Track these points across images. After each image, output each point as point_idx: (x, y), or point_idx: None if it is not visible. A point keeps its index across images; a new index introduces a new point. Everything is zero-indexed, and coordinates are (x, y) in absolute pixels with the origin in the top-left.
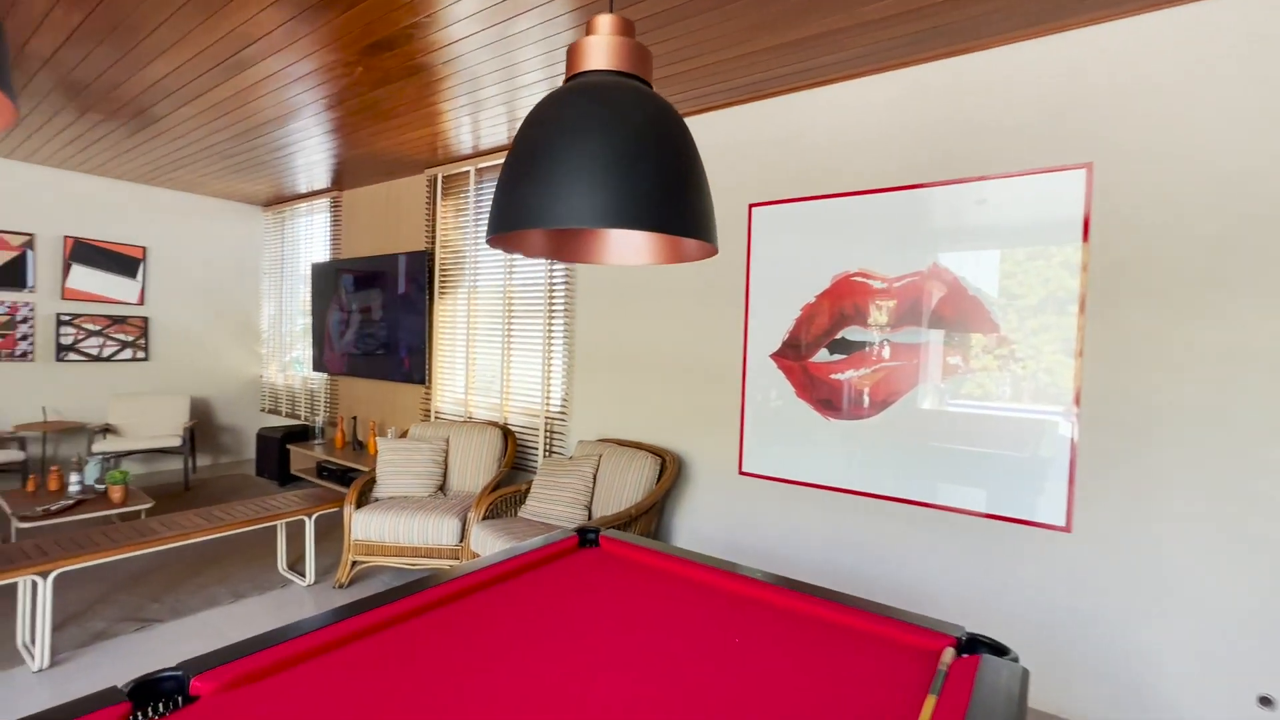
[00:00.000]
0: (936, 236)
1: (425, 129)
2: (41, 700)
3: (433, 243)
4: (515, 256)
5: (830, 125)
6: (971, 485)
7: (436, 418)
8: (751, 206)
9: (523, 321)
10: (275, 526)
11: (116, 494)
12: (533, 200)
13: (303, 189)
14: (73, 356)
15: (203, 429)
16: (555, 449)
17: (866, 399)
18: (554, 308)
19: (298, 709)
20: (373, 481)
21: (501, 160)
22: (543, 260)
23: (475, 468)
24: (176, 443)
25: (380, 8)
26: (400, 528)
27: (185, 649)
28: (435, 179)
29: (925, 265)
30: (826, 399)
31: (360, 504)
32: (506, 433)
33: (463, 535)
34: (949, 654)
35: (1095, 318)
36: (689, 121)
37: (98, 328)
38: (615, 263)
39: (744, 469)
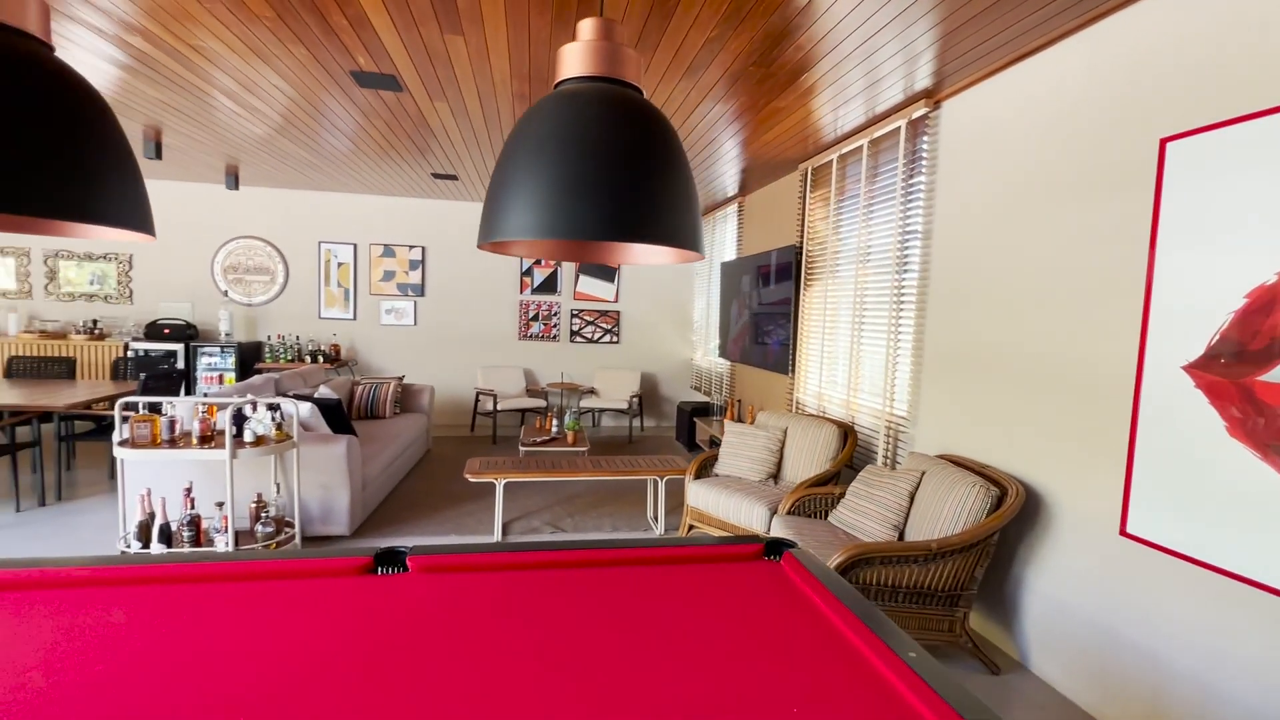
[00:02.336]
0: None
1: (798, 125)
2: None
3: (802, 236)
4: (870, 241)
5: None
6: None
7: (798, 409)
8: (1164, 142)
9: (873, 314)
10: (645, 481)
11: (570, 438)
12: (504, 213)
13: (719, 197)
14: (578, 339)
15: (649, 398)
16: (897, 457)
17: None
18: (903, 299)
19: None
20: (715, 459)
21: (860, 143)
22: (891, 245)
23: (808, 462)
24: (624, 406)
25: (768, 12)
26: (721, 503)
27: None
28: (806, 172)
29: None
30: None
31: (700, 476)
32: (847, 432)
33: (770, 524)
34: None
35: None
36: (1067, 41)
37: (591, 319)
38: (602, 261)
39: (1129, 529)
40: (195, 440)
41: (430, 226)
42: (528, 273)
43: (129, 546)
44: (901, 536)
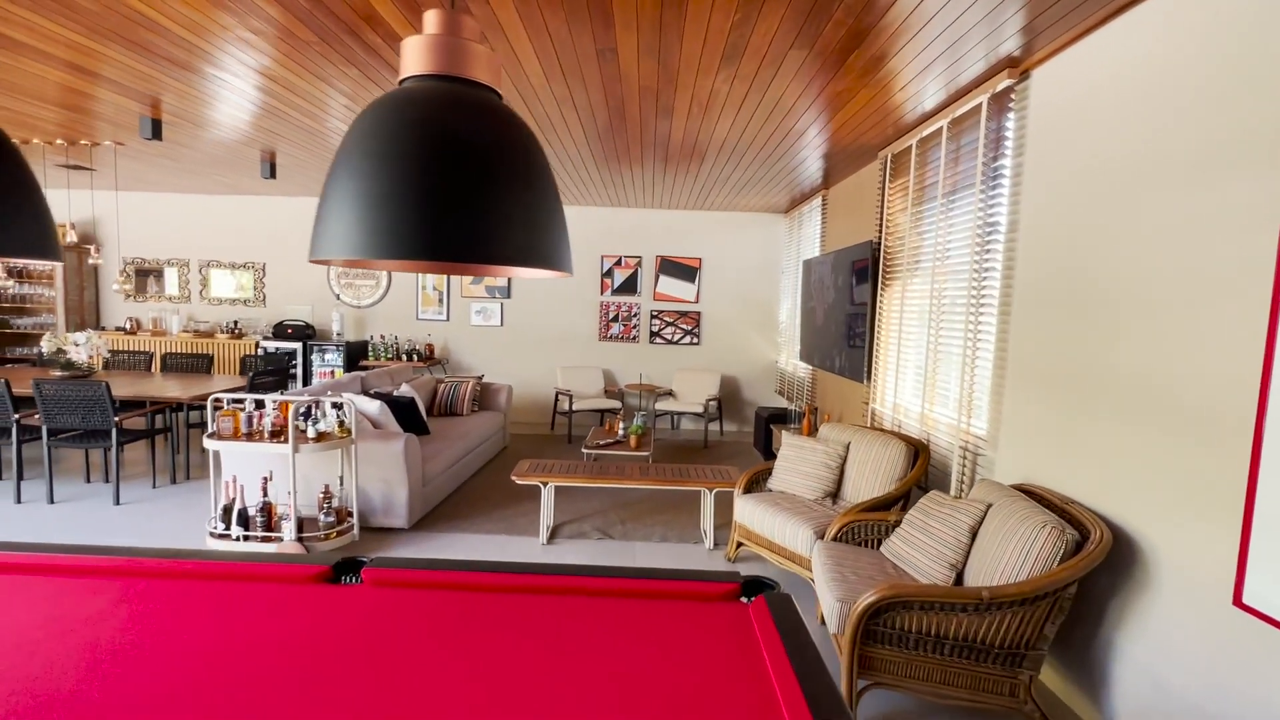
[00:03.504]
0: None
1: (868, 106)
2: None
3: (880, 230)
4: (950, 237)
5: None
6: None
7: (874, 421)
8: None
9: (951, 318)
10: (699, 492)
11: (632, 441)
12: (323, 227)
13: (804, 188)
14: (658, 340)
15: (731, 401)
16: (975, 482)
17: None
18: (983, 301)
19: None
20: (770, 473)
21: (940, 124)
22: (970, 240)
23: (871, 482)
24: (698, 410)
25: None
26: (767, 522)
27: (600, 558)
28: (886, 160)
29: None
30: None
31: (751, 491)
32: (918, 450)
33: (812, 549)
34: None
35: None
36: None
37: (672, 320)
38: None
39: (1245, 599)
40: (266, 435)
41: None
42: (608, 274)
43: (215, 528)
44: (960, 578)
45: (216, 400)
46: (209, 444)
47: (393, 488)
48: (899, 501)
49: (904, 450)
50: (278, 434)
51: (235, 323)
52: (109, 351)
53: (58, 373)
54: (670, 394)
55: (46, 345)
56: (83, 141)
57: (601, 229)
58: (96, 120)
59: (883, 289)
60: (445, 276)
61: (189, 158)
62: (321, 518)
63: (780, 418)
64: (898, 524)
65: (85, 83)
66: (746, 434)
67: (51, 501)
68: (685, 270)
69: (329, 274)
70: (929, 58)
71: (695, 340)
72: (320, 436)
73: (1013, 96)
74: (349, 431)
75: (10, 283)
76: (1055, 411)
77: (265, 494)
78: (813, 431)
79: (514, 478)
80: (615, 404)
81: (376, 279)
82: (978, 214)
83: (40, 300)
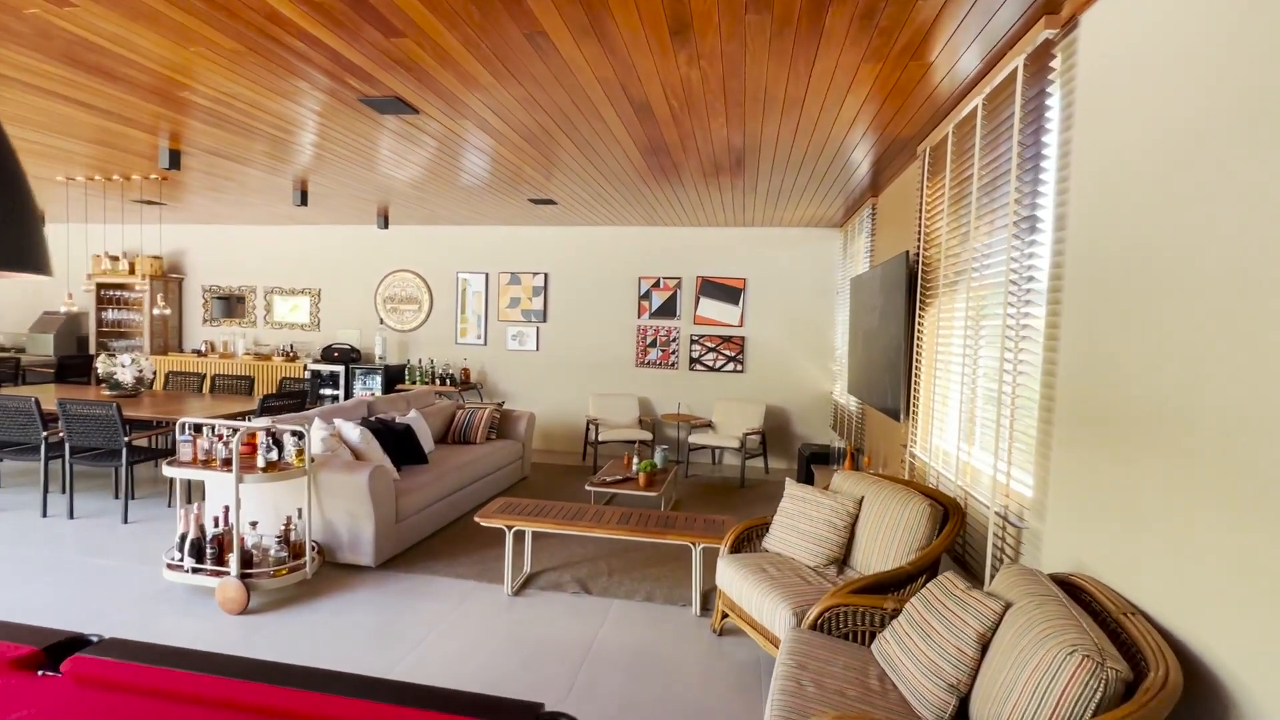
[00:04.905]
0: None
1: (886, 82)
2: (478, 610)
3: (919, 239)
4: (991, 235)
5: None
6: None
7: (911, 469)
8: None
9: (989, 338)
10: (689, 547)
11: (640, 479)
12: None
13: (855, 194)
14: (698, 367)
15: (778, 435)
16: (1019, 557)
17: None
18: (1026, 315)
19: None
20: (767, 528)
21: (974, 103)
22: (1006, 240)
23: (884, 549)
24: (735, 445)
25: None
26: (746, 592)
27: (571, 622)
28: (924, 155)
29: None
30: None
31: (740, 549)
32: (947, 510)
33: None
34: None
35: None
36: None
37: (713, 345)
38: None
39: None
40: (219, 463)
41: (552, 252)
42: (645, 296)
43: (172, 558)
44: (963, 704)
45: (197, 426)
46: (167, 470)
47: (358, 522)
48: (919, 577)
49: (927, 511)
50: (229, 462)
51: (291, 346)
52: (168, 373)
53: (107, 392)
54: (709, 426)
55: (101, 367)
56: (145, 175)
57: (638, 248)
58: (132, 156)
59: (921, 308)
60: (483, 302)
61: (229, 189)
62: (273, 552)
63: (822, 456)
64: (896, 614)
65: (121, 125)
66: (795, 473)
67: (71, 517)
68: (728, 291)
69: (375, 299)
70: (960, 10)
71: (739, 367)
72: (269, 466)
73: (1053, 55)
74: (305, 461)
75: (110, 310)
76: (1118, 470)
77: (217, 525)
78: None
79: (478, 519)
80: (645, 435)
81: (419, 303)
82: (1016, 209)
83: (132, 325)
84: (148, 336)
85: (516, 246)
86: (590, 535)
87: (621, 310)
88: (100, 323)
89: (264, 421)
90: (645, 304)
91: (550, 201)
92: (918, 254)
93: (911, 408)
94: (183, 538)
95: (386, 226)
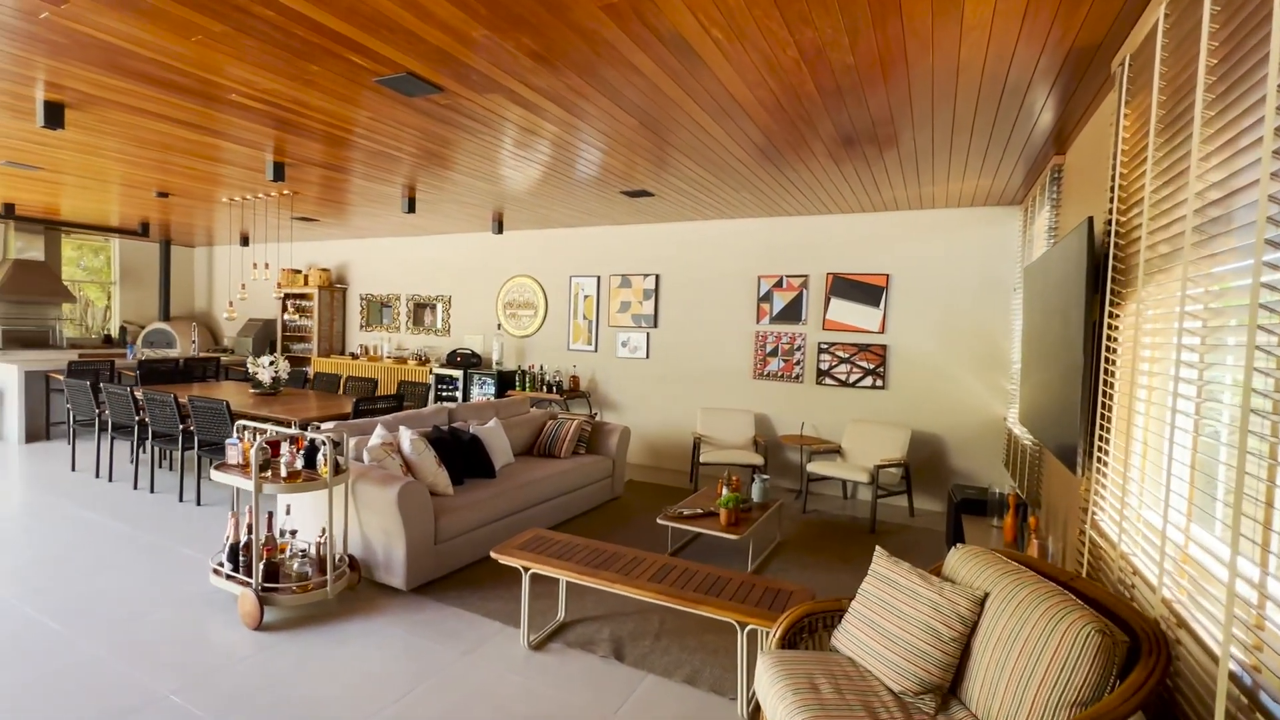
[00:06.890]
0: None
1: None
2: (484, 664)
3: (1112, 199)
4: (1235, 175)
5: None
6: None
7: (1090, 542)
8: None
9: (1231, 349)
10: (733, 624)
11: (722, 517)
12: None
13: (1036, 155)
14: (828, 381)
15: (929, 469)
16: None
17: None
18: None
19: None
20: (840, 617)
21: None
22: (1257, 173)
23: (1018, 686)
24: (864, 479)
25: None
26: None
27: (584, 697)
28: (1121, 74)
29: None
30: None
31: (794, 644)
32: (1137, 641)
33: None
34: None
35: None
36: None
37: (846, 355)
38: None
39: None
40: (254, 470)
41: (662, 252)
42: (765, 297)
43: (219, 563)
44: None
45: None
46: (216, 475)
47: (391, 540)
48: None
49: (1094, 643)
50: (265, 468)
51: (424, 350)
52: (315, 373)
53: (252, 390)
54: (838, 452)
55: (250, 367)
56: (286, 192)
57: (758, 243)
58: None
59: (1114, 303)
60: (595, 306)
61: (341, 199)
62: (295, 568)
63: (979, 505)
64: None
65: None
66: (944, 518)
67: (199, 504)
68: (866, 291)
69: (497, 304)
70: None
71: (879, 383)
72: (292, 475)
73: None
74: (328, 473)
75: (295, 316)
76: None
77: (249, 533)
78: (1018, 538)
79: (493, 554)
80: (755, 459)
81: (535, 308)
82: (1274, 139)
83: (308, 330)
84: (315, 340)
85: (627, 247)
86: (612, 590)
87: (738, 314)
88: (284, 328)
89: (291, 430)
90: (765, 307)
91: (646, 193)
92: (1110, 221)
93: (1098, 454)
94: (233, 545)
95: (501, 231)
